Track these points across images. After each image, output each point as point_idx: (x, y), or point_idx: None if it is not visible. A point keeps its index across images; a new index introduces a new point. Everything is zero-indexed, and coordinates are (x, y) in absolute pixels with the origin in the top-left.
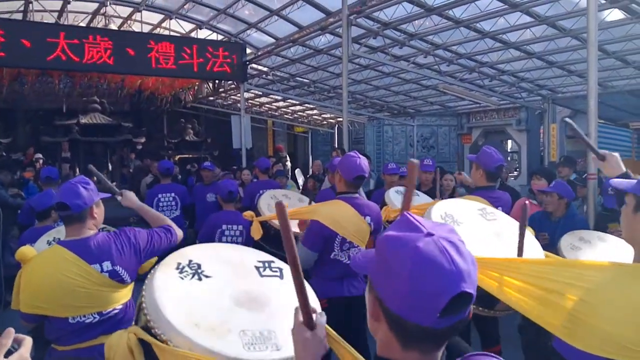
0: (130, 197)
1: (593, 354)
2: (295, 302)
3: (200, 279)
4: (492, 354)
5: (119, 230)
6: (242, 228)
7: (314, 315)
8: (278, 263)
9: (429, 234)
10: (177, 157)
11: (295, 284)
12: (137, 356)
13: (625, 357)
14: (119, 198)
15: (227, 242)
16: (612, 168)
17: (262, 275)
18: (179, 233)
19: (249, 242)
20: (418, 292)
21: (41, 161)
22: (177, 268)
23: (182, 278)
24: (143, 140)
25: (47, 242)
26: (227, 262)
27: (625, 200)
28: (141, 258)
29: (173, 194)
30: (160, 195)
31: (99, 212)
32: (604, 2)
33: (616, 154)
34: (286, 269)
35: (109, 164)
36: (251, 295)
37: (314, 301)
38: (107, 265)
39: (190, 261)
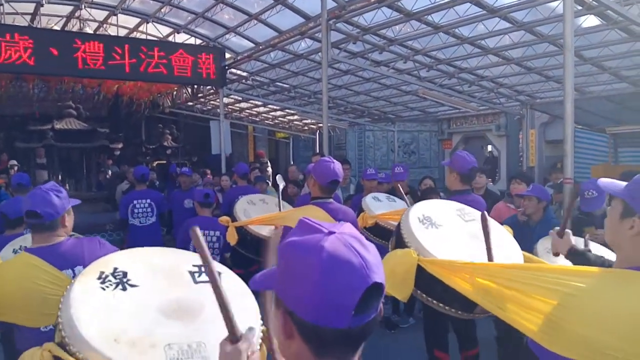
0: None
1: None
2: (233, 308)
3: (124, 288)
4: None
5: (88, 236)
6: (219, 234)
7: (238, 329)
8: (217, 267)
9: (331, 232)
10: (155, 163)
11: (216, 295)
12: None
13: None
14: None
15: None
16: (564, 246)
17: (196, 282)
18: None
19: (226, 248)
20: (330, 292)
21: (16, 168)
22: (100, 278)
23: (103, 289)
24: (120, 146)
25: (13, 250)
26: (158, 268)
27: (612, 204)
28: None
29: (149, 200)
30: (135, 202)
31: (69, 220)
32: (581, 8)
33: (569, 232)
34: (225, 272)
35: (84, 171)
36: (182, 304)
37: (252, 315)
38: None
39: (115, 269)
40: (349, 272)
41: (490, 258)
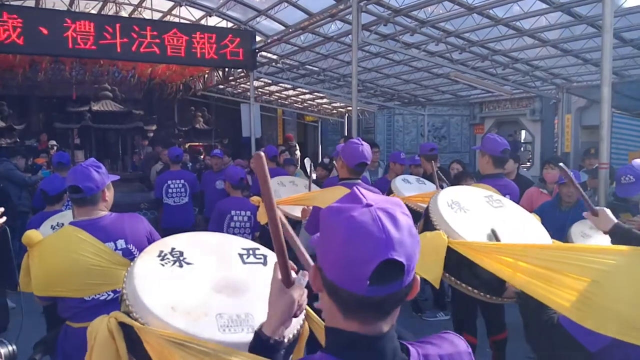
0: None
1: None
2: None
3: (181, 265)
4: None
5: (130, 213)
6: (250, 214)
7: (292, 276)
8: (263, 250)
9: (368, 205)
10: (187, 145)
11: (275, 242)
12: (118, 339)
13: (634, 338)
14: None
15: (235, 227)
16: (605, 222)
17: (245, 263)
18: None
19: (256, 227)
20: (348, 258)
21: (55, 148)
22: (159, 255)
23: (162, 265)
24: (154, 127)
25: (51, 226)
26: (210, 249)
27: None
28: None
29: (182, 181)
30: (169, 182)
31: (109, 194)
32: None
33: (607, 209)
34: (271, 255)
35: (120, 151)
36: (231, 282)
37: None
38: (121, 243)
39: (172, 249)
40: (366, 243)
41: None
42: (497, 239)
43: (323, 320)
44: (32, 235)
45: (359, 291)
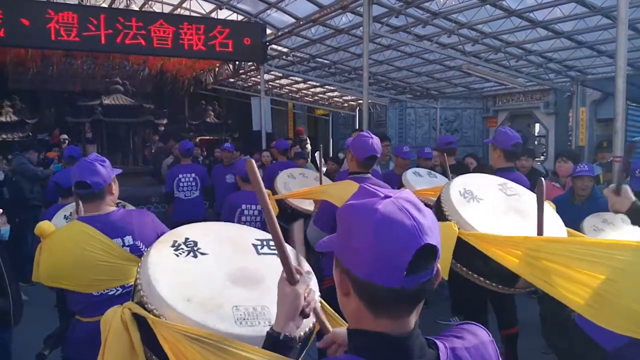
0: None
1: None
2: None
3: (195, 256)
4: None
5: (139, 209)
6: (261, 208)
7: (296, 273)
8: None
9: (387, 197)
10: (197, 139)
11: (276, 243)
12: (132, 330)
13: None
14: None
15: (246, 221)
16: (624, 202)
17: (259, 253)
18: None
19: None
20: (383, 252)
21: (67, 142)
22: (173, 246)
23: (177, 255)
24: (165, 121)
25: (64, 217)
26: (225, 240)
27: None
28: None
29: (193, 175)
30: (180, 176)
31: (115, 188)
32: None
33: (628, 187)
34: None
35: (131, 145)
36: (246, 273)
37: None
38: (128, 239)
39: (186, 239)
40: (401, 233)
41: (540, 230)
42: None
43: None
44: (44, 226)
45: (396, 284)
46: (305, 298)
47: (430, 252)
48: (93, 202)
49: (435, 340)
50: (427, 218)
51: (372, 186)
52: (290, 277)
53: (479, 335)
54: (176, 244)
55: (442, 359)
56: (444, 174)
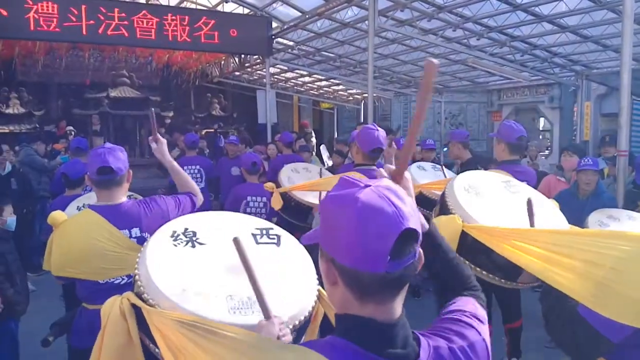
0: (163, 149)
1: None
2: (288, 269)
3: (193, 246)
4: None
5: (148, 198)
6: (266, 199)
7: (271, 311)
8: (277, 230)
9: (367, 186)
10: (203, 132)
11: (252, 286)
12: (130, 320)
13: None
14: (153, 145)
15: (252, 212)
16: None
17: (257, 243)
18: (200, 198)
19: (272, 213)
20: (366, 239)
21: (73, 133)
22: (172, 236)
23: (175, 245)
24: (171, 114)
25: (77, 207)
26: (224, 230)
27: None
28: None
29: (198, 166)
30: (185, 168)
31: (130, 176)
32: None
33: None
34: (285, 236)
35: (137, 137)
36: None
37: (311, 275)
38: (135, 231)
39: (186, 229)
40: (383, 219)
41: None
42: (532, 212)
43: None
44: (56, 215)
45: (380, 269)
46: (280, 330)
47: (411, 236)
48: (109, 189)
49: (420, 336)
50: (406, 204)
51: (352, 178)
52: (266, 315)
53: (466, 337)
54: (175, 234)
55: (423, 356)
56: (467, 168)
